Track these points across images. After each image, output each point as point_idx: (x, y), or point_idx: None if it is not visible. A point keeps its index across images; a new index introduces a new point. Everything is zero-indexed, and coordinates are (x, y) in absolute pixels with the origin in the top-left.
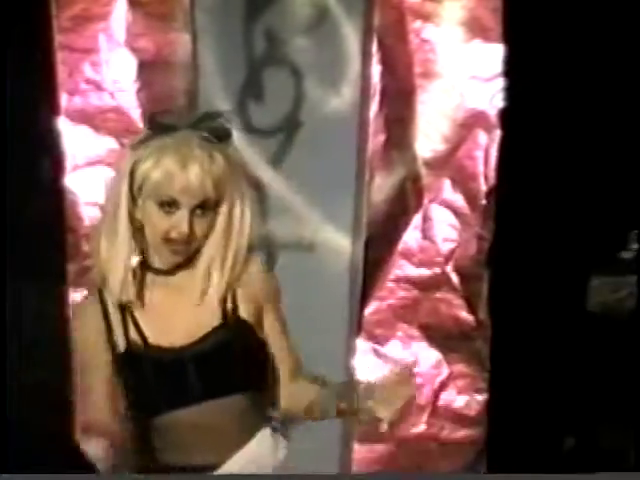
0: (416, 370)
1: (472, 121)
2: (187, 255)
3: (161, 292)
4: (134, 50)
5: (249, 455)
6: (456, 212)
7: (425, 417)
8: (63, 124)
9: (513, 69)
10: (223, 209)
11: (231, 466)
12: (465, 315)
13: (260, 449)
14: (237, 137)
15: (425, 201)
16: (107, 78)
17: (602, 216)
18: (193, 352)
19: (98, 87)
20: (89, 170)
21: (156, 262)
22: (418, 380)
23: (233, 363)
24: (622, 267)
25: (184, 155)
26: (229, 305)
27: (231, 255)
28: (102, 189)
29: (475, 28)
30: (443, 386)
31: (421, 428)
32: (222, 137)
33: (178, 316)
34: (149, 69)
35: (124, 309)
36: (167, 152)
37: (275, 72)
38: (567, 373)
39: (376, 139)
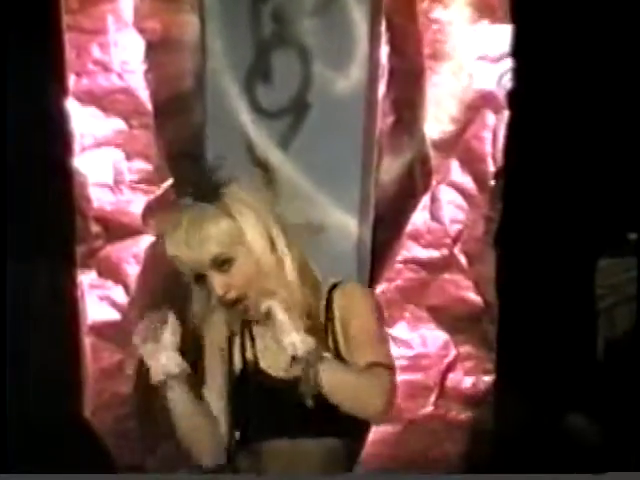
0: (424, 351)
1: (480, 102)
2: (251, 297)
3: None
4: (142, 31)
5: None
6: (464, 193)
7: (433, 398)
8: (71, 105)
9: (521, 49)
10: (251, 241)
11: None
12: (473, 296)
13: None
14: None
15: (433, 182)
16: (115, 59)
17: (611, 196)
18: (293, 388)
19: (106, 68)
20: (97, 151)
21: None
22: (426, 361)
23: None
24: (631, 248)
25: (178, 236)
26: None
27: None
28: (110, 170)
29: (483, 8)
30: (450, 367)
31: (429, 409)
32: (216, 194)
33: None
34: (157, 50)
35: (244, 327)
36: (168, 239)
37: (283, 53)
38: (574, 354)
39: (384, 120)
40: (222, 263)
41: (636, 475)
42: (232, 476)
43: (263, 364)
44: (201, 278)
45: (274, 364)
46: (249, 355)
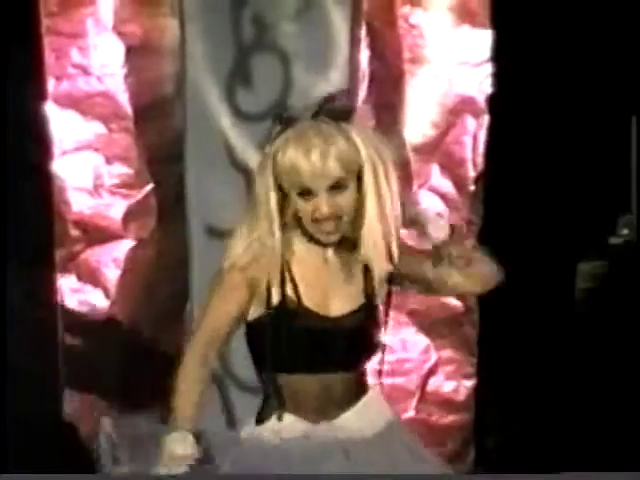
0: (405, 355)
1: (460, 106)
2: (342, 232)
3: (317, 264)
4: (122, 35)
5: (356, 414)
6: (445, 197)
7: (414, 403)
8: (50, 109)
9: (501, 54)
10: (368, 181)
11: (339, 424)
12: (453, 301)
13: (366, 408)
14: (225, 120)
15: (414, 187)
16: (95, 63)
17: (591, 201)
18: (338, 325)
19: (85, 72)
20: (77, 155)
21: (318, 239)
22: (407, 366)
23: (364, 344)
24: (610, 252)
25: (303, 145)
26: (370, 289)
27: (390, 236)
28: (90, 174)
29: (463, 13)
30: (431, 372)
31: (410, 413)
32: (341, 117)
33: (331, 288)
34: (137, 54)
35: (284, 265)
36: (289, 145)
37: (263, 58)
38: (555, 358)
39: (364, 125)
40: (338, 186)
41: (636, 475)
42: (229, 475)
43: (306, 301)
44: (303, 194)
45: (318, 301)
46: (290, 292)
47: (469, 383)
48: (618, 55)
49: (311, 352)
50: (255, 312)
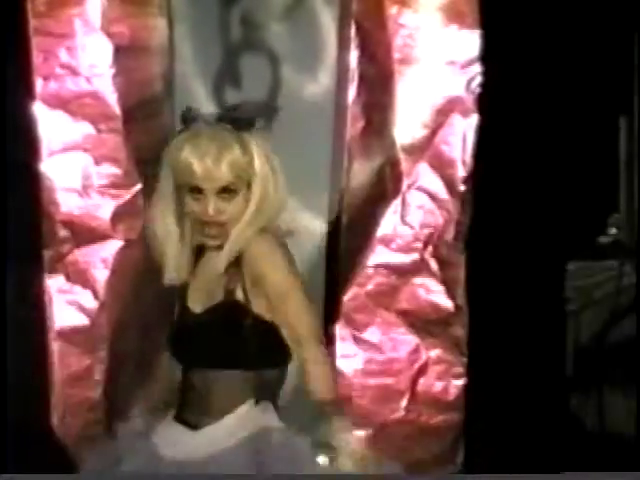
0: (395, 355)
1: (450, 107)
2: (223, 240)
3: (208, 266)
4: (110, 35)
5: (225, 426)
6: (434, 197)
7: (404, 402)
8: (39, 109)
9: (490, 55)
10: (255, 190)
11: (207, 433)
12: (443, 301)
13: (236, 421)
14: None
15: (403, 187)
16: (83, 63)
17: (580, 201)
18: (198, 321)
19: (74, 72)
20: (65, 156)
21: (204, 243)
22: (397, 366)
23: (226, 340)
24: (600, 252)
25: (197, 145)
26: (231, 285)
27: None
28: (79, 175)
29: (452, 14)
30: (421, 371)
31: (400, 413)
32: (243, 127)
33: (204, 286)
34: (125, 54)
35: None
36: (185, 143)
37: (252, 58)
38: (544, 358)
39: (354, 125)
40: (228, 191)
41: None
42: (230, 475)
43: (188, 301)
44: (193, 193)
45: (194, 299)
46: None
47: (459, 383)
48: (606, 55)
49: (181, 347)
50: None
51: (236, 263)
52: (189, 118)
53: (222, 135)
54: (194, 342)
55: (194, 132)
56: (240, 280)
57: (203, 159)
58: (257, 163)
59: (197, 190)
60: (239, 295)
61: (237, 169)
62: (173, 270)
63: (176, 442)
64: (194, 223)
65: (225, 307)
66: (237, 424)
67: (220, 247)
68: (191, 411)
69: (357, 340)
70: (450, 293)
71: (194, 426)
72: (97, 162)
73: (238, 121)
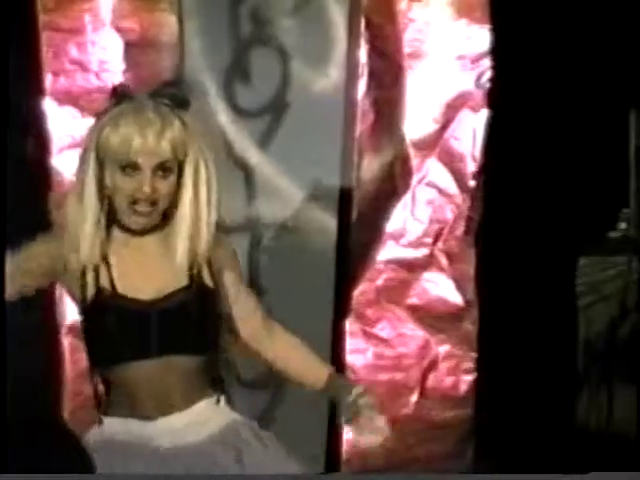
0: (405, 351)
1: (459, 101)
2: (155, 217)
3: (133, 252)
4: (120, 30)
5: (189, 417)
6: (444, 193)
7: (414, 398)
8: (48, 105)
9: (500, 49)
10: (188, 172)
11: (169, 423)
12: (453, 296)
13: (200, 416)
14: (223, 116)
15: (413, 182)
16: (93, 59)
17: (590, 196)
18: (158, 308)
19: (84, 68)
20: (75, 151)
21: (128, 225)
22: (407, 361)
23: (192, 324)
24: (610, 247)
25: (140, 119)
26: (195, 270)
27: (203, 224)
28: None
29: (462, 8)
30: (431, 367)
31: (410, 409)
32: (179, 104)
33: (147, 273)
34: (135, 50)
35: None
36: (124, 118)
37: (262, 53)
38: (555, 353)
39: (364, 120)
40: (164, 169)
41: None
42: (230, 475)
43: (121, 289)
44: (126, 170)
45: (134, 287)
46: (104, 282)
47: (469, 378)
48: (617, 49)
49: (131, 337)
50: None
51: (193, 249)
52: (121, 94)
53: (164, 111)
54: (156, 329)
55: (134, 107)
56: (205, 264)
57: (144, 133)
58: (193, 145)
59: (132, 166)
60: (206, 279)
61: (176, 147)
62: (88, 251)
63: (133, 435)
64: (121, 203)
65: (192, 292)
66: (200, 419)
67: (145, 231)
68: (141, 407)
69: (367, 335)
70: (460, 288)
71: (149, 417)
72: None
73: (175, 97)
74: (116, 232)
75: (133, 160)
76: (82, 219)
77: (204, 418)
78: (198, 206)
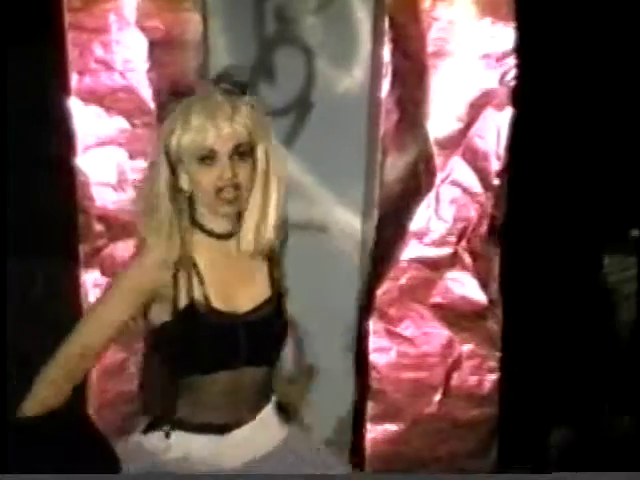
0: (428, 350)
1: (484, 100)
2: (241, 203)
3: (220, 257)
4: (144, 30)
5: (257, 427)
6: (468, 191)
7: (438, 397)
8: (74, 104)
9: (524, 47)
10: (259, 156)
11: (240, 435)
12: (477, 295)
13: (264, 423)
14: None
15: (437, 181)
16: (117, 58)
17: (614, 195)
18: (246, 320)
19: (108, 67)
20: (100, 150)
21: (213, 225)
22: (430, 360)
23: (272, 336)
24: (631, 247)
25: (209, 106)
26: (274, 276)
27: (272, 211)
28: (113, 169)
29: (486, 6)
30: (455, 366)
31: (434, 408)
32: (241, 89)
33: (235, 282)
34: (160, 49)
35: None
36: (193, 109)
37: (286, 52)
38: (578, 351)
39: (388, 119)
40: (240, 153)
41: (637, 475)
42: (230, 475)
43: (215, 302)
44: (205, 160)
45: (226, 299)
46: (197, 294)
47: (493, 377)
48: None
49: (221, 350)
50: (160, 316)
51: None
52: (180, 93)
53: (229, 95)
54: (245, 342)
55: (201, 97)
56: (277, 269)
57: (216, 120)
58: (260, 131)
59: (210, 156)
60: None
61: (248, 129)
62: (166, 251)
63: (207, 454)
64: (204, 196)
65: (273, 302)
66: (266, 427)
67: (230, 235)
68: (217, 415)
69: (391, 334)
70: (484, 287)
71: (221, 429)
72: (132, 157)
73: (237, 82)
74: (199, 236)
75: (210, 148)
76: (158, 228)
77: (268, 425)
78: (267, 197)
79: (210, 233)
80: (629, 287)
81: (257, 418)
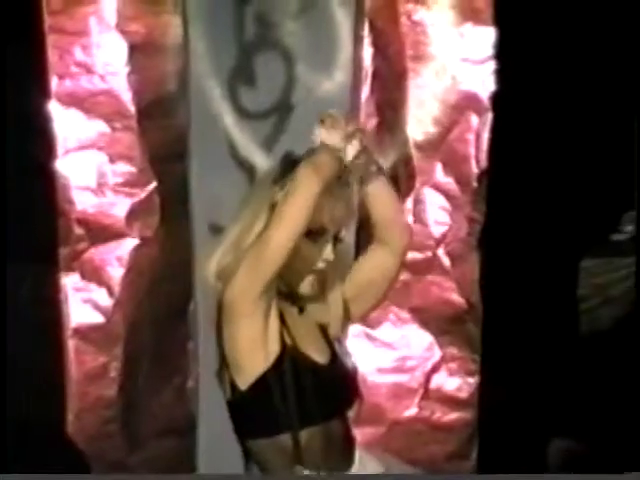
0: (408, 353)
1: (464, 104)
2: (321, 289)
3: (295, 316)
4: (125, 33)
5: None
6: (448, 195)
7: (417, 400)
8: (53, 107)
9: (504, 51)
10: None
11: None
12: (456, 298)
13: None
14: (228, 118)
15: (417, 184)
16: (98, 61)
17: (595, 198)
18: (333, 369)
19: (89, 70)
20: (80, 154)
21: (300, 290)
22: (410, 363)
23: (350, 382)
24: (615, 249)
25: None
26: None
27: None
28: (94, 173)
29: (466, 10)
30: (435, 369)
31: (413, 411)
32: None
33: (313, 337)
34: (140, 52)
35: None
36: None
37: (266, 56)
38: (559, 355)
39: (368, 122)
40: (338, 238)
41: (637, 475)
42: (228, 475)
43: (302, 347)
44: (313, 235)
45: (311, 347)
46: (287, 339)
47: (473, 380)
48: (622, 53)
49: (322, 399)
50: (249, 378)
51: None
52: (294, 160)
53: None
54: (334, 393)
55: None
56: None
57: (334, 200)
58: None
59: (319, 232)
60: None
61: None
62: None
63: None
64: (300, 269)
65: (337, 354)
66: (364, 469)
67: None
68: (331, 464)
69: (370, 338)
70: (463, 290)
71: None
72: (112, 160)
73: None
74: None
75: (323, 226)
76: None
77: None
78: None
79: (296, 299)
80: (612, 290)
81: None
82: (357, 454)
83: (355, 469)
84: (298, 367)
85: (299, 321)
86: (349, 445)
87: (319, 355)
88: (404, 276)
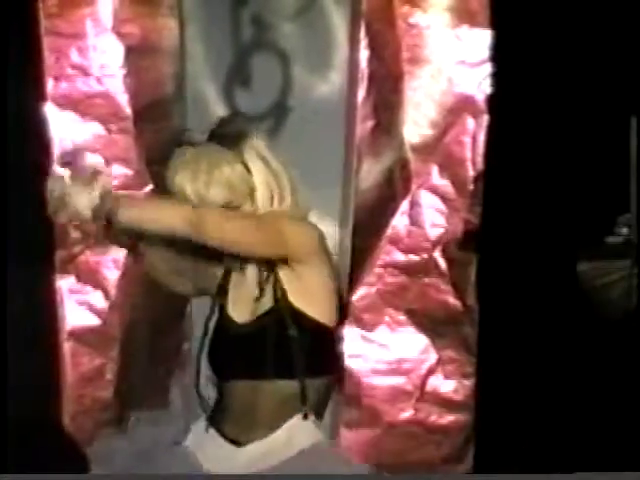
0: (404, 355)
1: (460, 106)
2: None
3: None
4: (121, 35)
5: (276, 440)
6: (444, 197)
7: (413, 402)
8: (50, 110)
9: (501, 54)
10: (262, 205)
11: (260, 447)
12: (453, 300)
13: (288, 436)
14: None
15: (413, 187)
16: (94, 63)
17: (591, 201)
18: (246, 330)
19: (85, 72)
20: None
21: None
22: (406, 365)
23: (270, 349)
24: (610, 252)
25: (189, 171)
26: (278, 291)
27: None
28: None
29: (463, 13)
30: (431, 371)
31: (409, 413)
32: (232, 142)
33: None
34: (136, 54)
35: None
36: (178, 170)
37: (263, 58)
38: (555, 357)
39: (364, 125)
40: (230, 208)
41: (636, 475)
42: (228, 475)
43: (231, 311)
44: None
45: (240, 311)
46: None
47: (469, 383)
48: (618, 55)
49: (240, 357)
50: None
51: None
52: (183, 142)
53: (209, 155)
54: (240, 353)
55: (184, 158)
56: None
57: (195, 184)
58: (257, 178)
59: None
60: (289, 300)
61: (232, 187)
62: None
63: (219, 457)
64: None
65: (273, 315)
66: (286, 441)
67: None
68: (233, 426)
69: (366, 340)
70: (459, 293)
71: (237, 442)
72: (108, 162)
73: (227, 137)
74: None
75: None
76: None
77: (288, 440)
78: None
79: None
80: (612, 292)
81: (273, 434)
82: (287, 429)
83: (279, 439)
84: (223, 327)
85: (240, 277)
86: (256, 419)
87: (238, 314)
88: (400, 278)
